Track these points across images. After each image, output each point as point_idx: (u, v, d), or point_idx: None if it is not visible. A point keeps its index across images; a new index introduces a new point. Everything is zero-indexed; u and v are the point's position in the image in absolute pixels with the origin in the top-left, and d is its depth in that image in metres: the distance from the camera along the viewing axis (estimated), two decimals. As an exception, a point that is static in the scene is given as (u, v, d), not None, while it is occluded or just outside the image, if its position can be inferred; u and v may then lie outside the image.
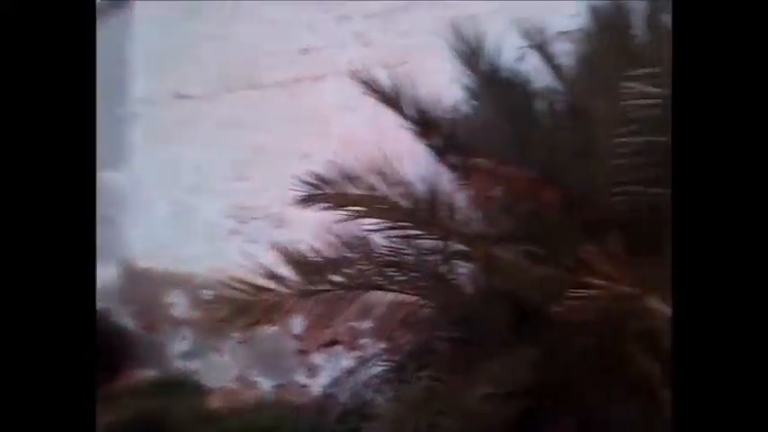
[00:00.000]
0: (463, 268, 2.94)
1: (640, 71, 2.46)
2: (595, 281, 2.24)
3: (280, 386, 4.83)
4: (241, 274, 2.96)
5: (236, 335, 5.03)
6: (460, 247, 2.70)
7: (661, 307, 2.15)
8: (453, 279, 2.93)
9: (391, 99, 2.88)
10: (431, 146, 2.77)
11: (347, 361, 3.99)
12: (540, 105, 2.93)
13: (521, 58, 3.06)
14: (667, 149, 2.59)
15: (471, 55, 2.92)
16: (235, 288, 2.88)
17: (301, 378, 4.69)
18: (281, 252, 2.95)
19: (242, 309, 2.82)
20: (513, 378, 2.58)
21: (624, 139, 2.49)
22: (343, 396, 3.24)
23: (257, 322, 2.92)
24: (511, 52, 3.07)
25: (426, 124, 2.73)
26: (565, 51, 2.89)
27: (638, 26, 2.66)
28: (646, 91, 2.46)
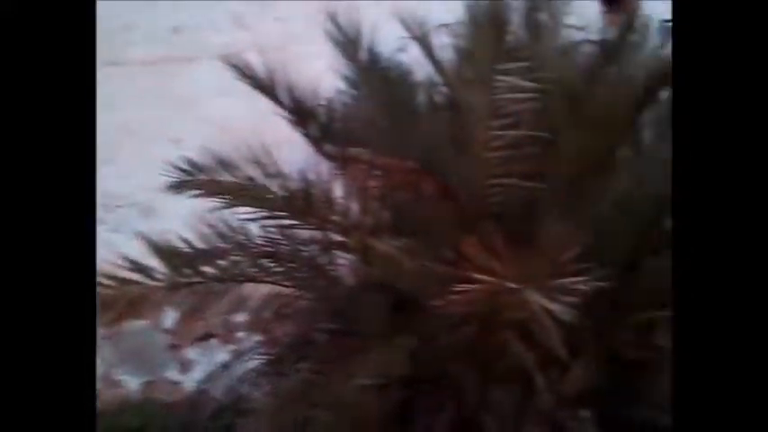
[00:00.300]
0: (342, 259, 2.90)
1: (515, 65, 2.52)
2: (473, 273, 2.27)
3: (148, 383, 4.62)
4: (104, 266, 2.78)
5: (100, 331, 4.76)
6: (338, 237, 2.66)
7: (536, 298, 2.21)
8: (331, 270, 2.89)
9: (266, 85, 2.79)
10: (307, 135, 2.71)
11: (222, 355, 3.86)
12: (419, 97, 2.93)
13: (400, 49, 3.05)
14: (542, 142, 2.72)
15: (350, 44, 2.88)
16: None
17: (173, 374, 4.51)
18: (148, 242, 2.80)
19: (104, 303, 2.65)
20: (391, 369, 2.58)
21: (500, 132, 2.54)
22: (218, 391, 3.13)
23: (120, 317, 2.76)
24: (391, 43, 3.05)
25: (302, 112, 2.67)
26: (444, 44, 2.90)
27: (515, 22, 2.71)
28: (520, 85, 2.51)
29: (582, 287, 2.26)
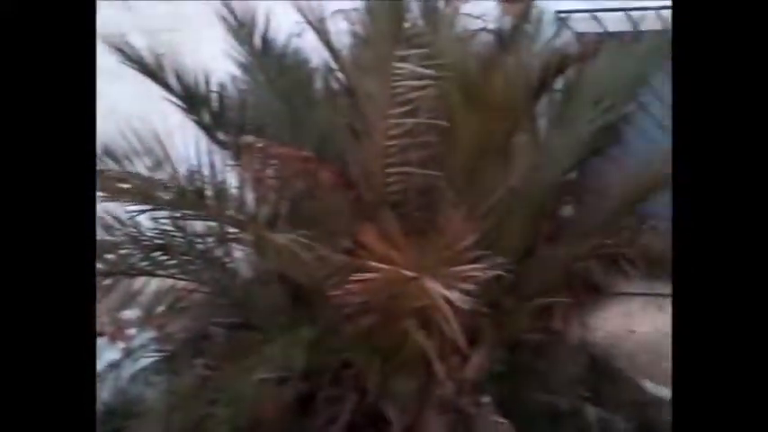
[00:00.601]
0: (238, 251, 2.81)
1: (413, 52, 2.50)
2: (371, 262, 2.24)
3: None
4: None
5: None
6: (233, 229, 2.57)
7: (434, 286, 2.20)
8: (228, 262, 2.80)
9: (153, 70, 2.66)
10: (200, 122, 2.60)
11: (112, 354, 3.68)
12: (316, 84, 2.87)
13: (296, 35, 2.97)
14: (440, 130, 2.72)
15: (244, 28, 2.78)
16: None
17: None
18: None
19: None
20: (291, 362, 2.53)
21: (398, 120, 2.52)
22: (106, 393, 2.97)
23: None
24: (286, 28, 2.97)
25: (194, 99, 2.55)
26: (341, 30, 2.85)
27: (413, 9, 2.69)
28: (418, 72, 2.50)
29: (479, 274, 2.28)
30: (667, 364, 3.37)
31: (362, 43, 2.67)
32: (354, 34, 2.72)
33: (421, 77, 2.48)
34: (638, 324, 3.55)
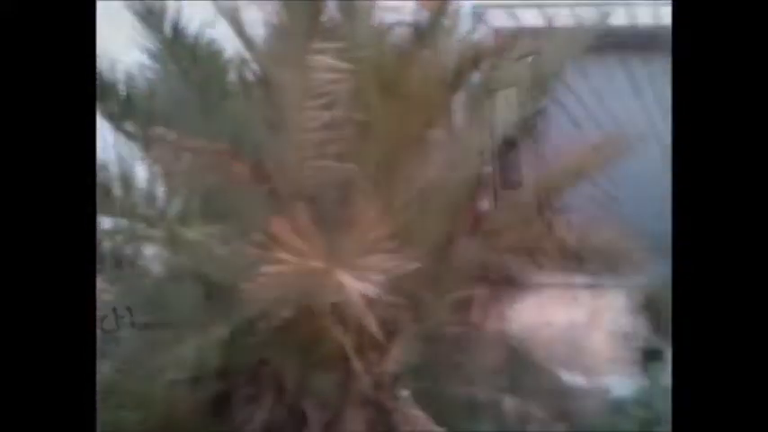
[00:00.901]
0: (149, 248, 2.72)
1: (330, 45, 2.47)
2: (285, 256, 2.20)
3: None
4: None
5: None
6: (143, 226, 2.48)
7: (347, 279, 2.18)
8: (137, 260, 2.70)
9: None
10: (106, 112, 2.49)
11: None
12: (229, 75, 2.79)
13: (209, 25, 2.88)
14: (356, 124, 2.70)
15: (153, 15, 2.67)
16: None
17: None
18: None
19: None
20: (204, 361, 2.46)
21: (314, 113, 2.49)
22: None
23: None
24: (198, 16, 2.87)
25: (100, 87, 2.44)
26: (256, 20, 2.78)
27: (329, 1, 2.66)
28: (335, 65, 2.47)
29: (395, 267, 2.27)
30: (582, 354, 3.47)
31: (278, 34, 2.61)
32: (270, 25, 2.66)
33: (337, 70, 2.46)
34: (554, 315, 3.63)
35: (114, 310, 2.58)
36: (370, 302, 2.29)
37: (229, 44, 2.79)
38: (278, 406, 2.69)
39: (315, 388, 2.71)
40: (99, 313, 2.78)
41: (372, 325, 2.38)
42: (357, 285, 2.16)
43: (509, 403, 2.91)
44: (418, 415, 2.68)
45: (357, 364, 2.63)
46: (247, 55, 2.79)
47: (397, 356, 2.71)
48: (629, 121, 3.19)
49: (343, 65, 2.46)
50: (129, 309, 2.59)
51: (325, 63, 2.44)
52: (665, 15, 2.90)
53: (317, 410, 2.71)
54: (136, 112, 2.50)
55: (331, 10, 2.67)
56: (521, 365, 3.07)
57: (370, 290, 2.16)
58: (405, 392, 2.74)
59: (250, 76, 2.80)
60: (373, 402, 2.75)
